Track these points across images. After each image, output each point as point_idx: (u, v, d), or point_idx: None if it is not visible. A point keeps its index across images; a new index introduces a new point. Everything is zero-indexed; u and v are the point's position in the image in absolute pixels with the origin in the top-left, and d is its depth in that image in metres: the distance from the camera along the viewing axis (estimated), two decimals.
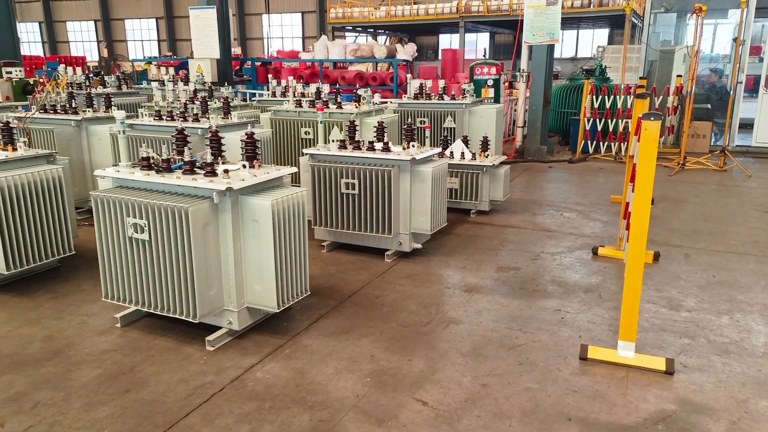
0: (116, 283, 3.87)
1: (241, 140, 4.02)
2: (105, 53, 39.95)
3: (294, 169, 4.07)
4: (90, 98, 7.19)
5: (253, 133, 3.99)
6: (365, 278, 4.96)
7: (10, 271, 4.47)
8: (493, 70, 10.82)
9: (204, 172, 3.75)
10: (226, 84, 10.07)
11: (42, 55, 37.01)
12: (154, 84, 7.00)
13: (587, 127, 10.91)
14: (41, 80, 6.94)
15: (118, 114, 3.96)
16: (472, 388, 3.24)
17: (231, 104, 7.58)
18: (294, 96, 7.94)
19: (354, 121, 5.70)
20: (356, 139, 5.51)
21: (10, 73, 13.00)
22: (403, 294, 4.61)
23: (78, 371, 3.46)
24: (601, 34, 37.11)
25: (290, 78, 7.97)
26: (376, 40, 31.94)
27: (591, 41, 36.98)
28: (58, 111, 6.84)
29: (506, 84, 12.15)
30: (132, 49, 45.03)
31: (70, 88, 7.73)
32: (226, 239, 3.68)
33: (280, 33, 40.95)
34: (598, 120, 10.85)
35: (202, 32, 13.37)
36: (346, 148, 5.43)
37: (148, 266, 3.70)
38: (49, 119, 6.73)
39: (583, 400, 3.13)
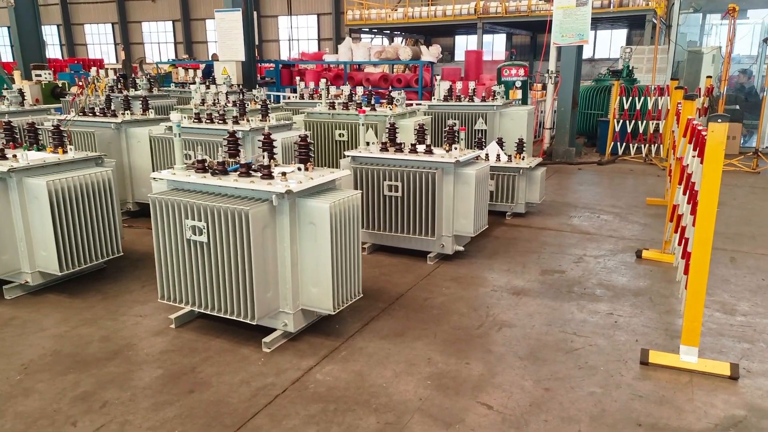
0: (173, 284, 3.90)
1: (294, 143, 4.05)
2: (122, 56, 40.38)
3: (347, 172, 4.09)
4: (127, 101, 7.27)
5: (306, 136, 4.01)
6: (410, 281, 4.96)
7: (63, 272, 4.53)
8: (521, 71, 10.78)
9: (261, 174, 3.77)
10: (257, 86, 10.12)
11: (60, 58, 37.48)
12: (193, 87, 7.05)
13: (616, 129, 10.83)
14: (80, 83, 7.02)
15: (174, 116, 4.00)
16: (535, 392, 3.23)
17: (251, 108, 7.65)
18: (326, 98, 7.98)
19: (394, 123, 5.70)
20: (395, 141, 5.52)
21: (40, 76, 13.20)
22: (450, 297, 4.60)
23: (140, 371, 3.50)
24: (619, 35, 36.79)
25: (323, 80, 8.00)
26: (392, 41, 31.98)
27: (609, 42, 36.70)
28: (97, 114, 6.93)
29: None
30: (149, 52, 45.48)
31: (108, 91, 7.82)
32: (283, 241, 3.71)
33: (296, 35, 41.10)
34: (627, 121, 10.74)
35: (228, 35, 13.46)
36: (387, 150, 5.44)
37: (206, 268, 3.73)
38: (88, 122, 6.81)
39: (650, 406, 3.10)
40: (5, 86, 9.31)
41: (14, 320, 4.20)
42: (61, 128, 4.99)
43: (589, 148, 12.18)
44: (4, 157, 4.55)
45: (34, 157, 4.60)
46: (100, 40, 47.63)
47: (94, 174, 4.70)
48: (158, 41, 46.20)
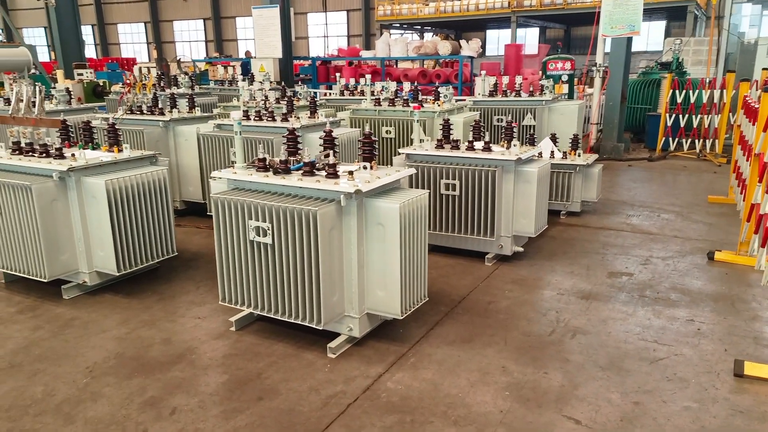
0: (235, 286, 3.80)
1: (359, 140, 3.90)
2: (154, 54, 40.93)
3: (413, 170, 3.93)
4: (173, 99, 7.24)
5: (371, 133, 3.86)
6: (470, 283, 4.78)
7: (121, 272, 4.48)
8: (568, 65, 10.46)
9: (326, 173, 3.64)
10: (300, 83, 10.03)
11: (95, 57, 38.18)
12: (241, 84, 6.99)
13: (668, 124, 10.41)
14: (128, 81, 7.03)
15: (235, 114, 3.90)
16: (625, 406, 3.03)
17: (303, 104, 7.54)
18: (372, 95, 7.82)
19: (448, 119, 5.52)
20: (449, 138, 5.34)
21: (81, 75, 13.37)
22: (515, 300, 4.41)
23: (205, 376, 3.40)
24: (656, 27, 35.76)
25: (368, 76, 7.86)
26: (422, 37, 31.69)
27: (646, 35, 35.73)
28: (145, 112, 6.91)
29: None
30: (180, 50, 46.01)
31: (155, 89, 7.82)
32: (350, 243, 3.57)
33: (325, 32, 41.07)
34: (681, 116, 10.32)
35: (265, 32, 13.43)
36: (443, 147, 5.26)
37: (270, 270, 3.61)
38: (136, 120, 6.79)
39: (753, 423, 2.87)
40: (53, 86, 9.38)
41: (75, 321, 4.17)
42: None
43: (635, 143, 11.77)
44: (62, 156, 4.52)
45: (91, 156, 4.56)
46: (132, 39, 48.37)
47: (151, 173, 4.64)
48: (189, 39, 46.70)
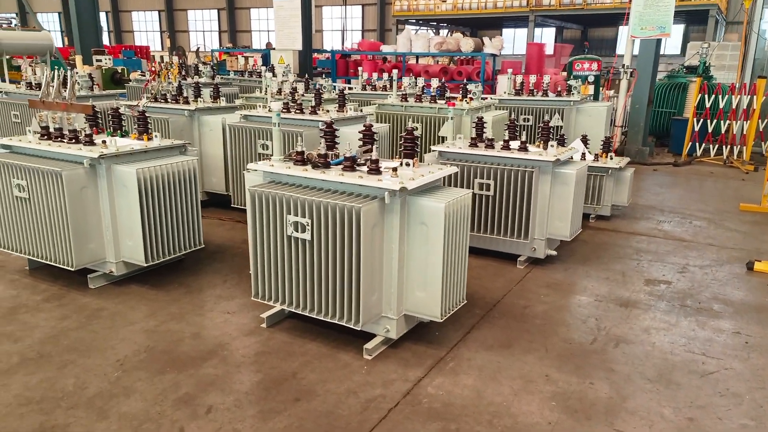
0: (269, 282, 3.70)
1: (401, 136, 3.79)
2: (167, 43, 40.84)
3: (455, 169, 3.81)
4: (198, 88, 7.14)
5: (414, 129, 3.74)
6: (503, 285, 4.66)
7: (149, 263, 4.39)
8: (594, 65, 10.28)
9: (367, 169, 3.52)
10: (323, 75, 9.91)
11: (108, 44, 38.11)
12: (268, 75, 6.88)
13: (696, 128, 10.22)
14: (152, 69, 6.94)
15: (275, 105, 3.79)
16: (679, 422, 2.90)
17: (326, 97, 7.42)
18: (396, 90, 7.69)
19: (482, 117, 5.39)
20: (482, 136, 5.21)
21: (100, 61, 13.29)
22: (551, 305, 4.29)
23: (239, 374, 3.31)
24: (675, 30, 35.33)
25: (394, 72, 7.72)
26: (437, 33, 31.46)
27: (664, 38, 35.29)
28: (169, 100, 6.82)
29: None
30: (194, 40, 45.95)
31: (180, 78, 7.73)
32: (391, 242, 3.45)
33: (339, 26, 40.84)
34: (709, 121, 10.11)
35: (286, 23, 13.32)
36: (477, 146, 5.13)
37: (308, 267, 3.50)
38: (161, 108, 6.70)
39: None
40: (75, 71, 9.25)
41: (102, 311, 4.08)
42: (133, 113, 4.86)
43: (658, 148, 11.58)
44: (92, 143, 4.43)
45: (121, 143, 4.47)
46: (146, 27, 48.28)
47: (181, 163, 4.54)
48: (203, 29, 46.60)
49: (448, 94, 7.69)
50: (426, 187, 3.57)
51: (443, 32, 32.01)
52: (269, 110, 6.20)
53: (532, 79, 8.91)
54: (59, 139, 4.55)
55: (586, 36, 34.29)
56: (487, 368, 3.40)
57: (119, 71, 12.63)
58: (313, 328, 3.86)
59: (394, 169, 3.44)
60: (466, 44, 13.08)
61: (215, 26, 45.77)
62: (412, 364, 3.44)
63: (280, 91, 6.81)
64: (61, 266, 4.32)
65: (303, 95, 6.96)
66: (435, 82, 7.49)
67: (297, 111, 6.05)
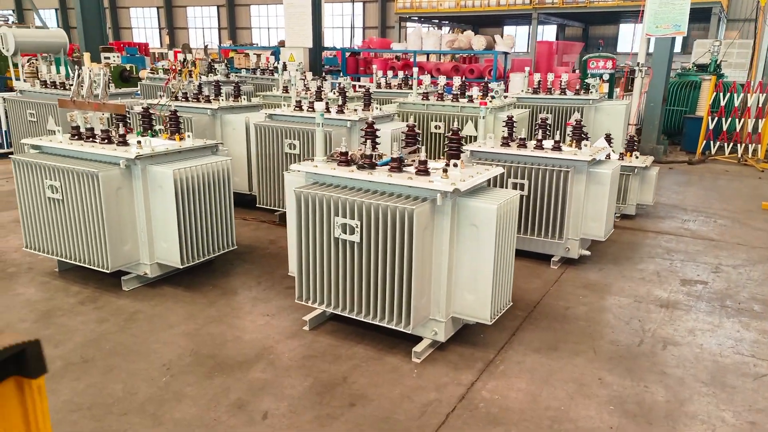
0: (314, 284, 3.66)
1: (446, 136, 3.75)
2: (166, 40, 40.59)
3: (501, 170, 3.76)
4: (218, 86, 7.08)
5: (459, 130, 3.70)
6: (539, 286, 4.63)
7: (184, 265, 4.35)
8: (609, 63, 10.24)
9: (415, 170, 3.48)
10: (342, 73, 9.85)
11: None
12: (294, 74, 6.80)
13: (710, 127, 10.21)
14: (173, 67, 6.87)
15: (319, 105, 3.74)
16: (741, 426, 2.88)
17: (349, 96, 7.36)
18: (419, 88, 7.65)
19: (512, 116, 5.35)
20: (513, 135, 5.17)
21: (108, 58, 13.19)
22: (592, 307, 4.26)
23: (289, 378, 3.27)
24: None
25: (415, 70, 7.68)
26: (440, 30, 31.39)
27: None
28: (190, 99, 6.76)
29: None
30: (193, 37, 45.70)
31: (201, 76, 7.66)
32: (441, 244, 3.41)
33: (341, 23, 40.73)
34: (724, 119, 10.10)
35: (296, 21, 13.23)
36: (509, 145, 5.09)
37: (356, 269, 3.46)
38: (182, 107, 6.61)
39: None
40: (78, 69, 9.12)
41: (139, 314, 4.03)
42: (155, 113, 4.81)
43: (670, 146, 11.56)
44: (125, 143, 4.37)
45: (156, 143, 4.41)
46: (145, 24, 47.92)
47: (215, 163, 4.49)
48: (203, 26, 46.32)
49: (467, 93, 7.64)
50: (476, 188, 3.53)
51: (444, 29, 31.95)
52: (294, 109, 6.15)
53: (562, 76, 8.83)
54: (90, 139, 4.49)
55: (587, 34, 34.25)
56: (539, 371, 3.37)
57: (128, 69, 12.54)
58: (356, 331, 3.82)
59: (444, 170, 3.40)
60: (478, 42, 13.02)
61: (215, 23, 45.48)
62: (462, 368, 3.41)
63: (306, 89, 6.73)
64: (95, 268, 4.26)
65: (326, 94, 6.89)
66: (457, 81, 7.44)
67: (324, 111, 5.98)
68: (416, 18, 29.79)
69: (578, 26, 34.19)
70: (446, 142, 3.72)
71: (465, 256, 3.43)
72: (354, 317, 3.56)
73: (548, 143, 5.00)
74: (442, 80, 7.54)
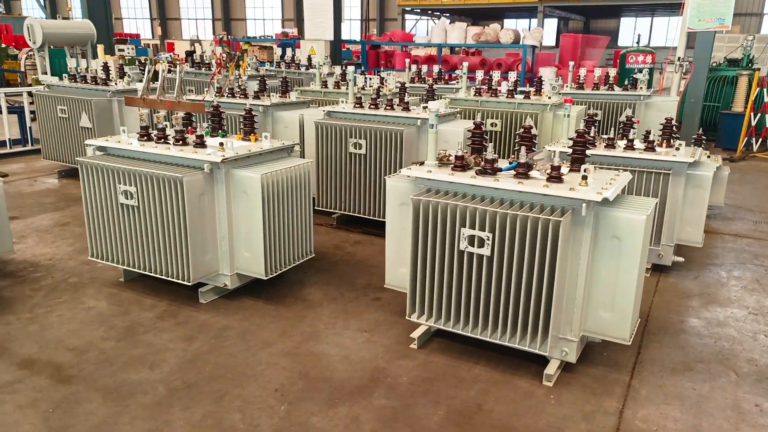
0: (430, 300, 3.37)
1: (570, 138, 3.47)
2: (159, 32, 39.82)
3: (629, 175, 3.48)
4: (264, 82, 6.73)
5: (586, 131, 3.42)
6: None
7: (268, 276, 4.04)
8: (648, 58, 9.99)
9: (547, 176, 3.19)
10: (362, 67, 9.50)
11: None
12: (350, 69, 6.44)
13: (752, 123, 10.01)
14: (218, 61, 6.48)
15: (435, 104, 3.43)
16: None
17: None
18: (465, 83, 7.34)
19: (593, 114, 5.07)
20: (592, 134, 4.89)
21: (123, 50, 12.73)
22: (707, 320, 4.00)
23: (418, 406, 2.98)
24: (676, 23, 35.13)
25: (465, 64, 7.35)
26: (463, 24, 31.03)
27: (665, 30, 35.29)
28: (237, 95, 6.41)
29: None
30: (185, 28, 44.90)
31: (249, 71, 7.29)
32: (579, 258, 3.13)
33: (345, 15, 40.09)
34: (766, 114, 9.90)
35: (317, 12, 12.84)
36: (594, 145, 4.80)
37: (483, 284, 3.18)
38: (229, 104, 6.26)
39: None
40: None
41: (228, 331, 3.72)
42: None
43: (705, 143, 11.35)
44: (202, 145, 4.03)
45: (238, 145, 4.08)
46: (135, 15, 46.93)
47: (299, 166, 4.18)
48: (195, 17, 45.47)
49: (520, 88, 7.35)
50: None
51: (445, 22, 31.54)
52: (354, 106, 5.82)
53: (609, 71, 8.55)
54: (162, 140, 4.14)
55: (588, 28, 34.01)
56: (687, 397, 3.11)
57: (143, 61, 12.12)
58: (465, 349, 3.53)
59: (584, 177, 3.11)
60: (506, 35, 12.73)
61: (208, 14, 44.66)
62: (600, 392, 3.14)
63: (363, 86, 6.40)
64: (175, 280, 3.94)
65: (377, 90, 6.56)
66: (513, 76, 7.15)
67: (388, 107, 5.68)
68: (419, 10, 29.40)
69: (579, 20, 33.98)
70: (570, 145, 3.44)
71: (602, 271, 3.15)
72: (476, 336, 3.27)
73: (639, 143, 4.73)
74: (495, 75, 7.23)
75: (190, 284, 3.91)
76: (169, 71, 6.27)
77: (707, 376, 3.30)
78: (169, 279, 3.95)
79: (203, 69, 8.92)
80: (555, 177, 3.17)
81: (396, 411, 2.94)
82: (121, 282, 4.40)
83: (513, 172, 3.28)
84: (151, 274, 4.04)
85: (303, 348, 3.53)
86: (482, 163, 3.34)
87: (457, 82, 8.93)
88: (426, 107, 5.60)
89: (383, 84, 6.82)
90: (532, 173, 3.28)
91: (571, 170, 3.39)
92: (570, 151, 3.47)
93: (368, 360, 3.42)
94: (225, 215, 3.98)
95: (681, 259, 4.87)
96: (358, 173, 5.52)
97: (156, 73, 4.62)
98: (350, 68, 6.28)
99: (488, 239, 3.09)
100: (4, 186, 4.31)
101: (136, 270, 4.11)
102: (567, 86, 8.44)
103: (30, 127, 8.65)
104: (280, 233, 4.07)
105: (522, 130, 3.52)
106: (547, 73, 11.27)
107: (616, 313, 3.17)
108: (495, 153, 3.32)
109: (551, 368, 3.23)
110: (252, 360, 3.38)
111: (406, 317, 3.48)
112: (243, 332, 3.71)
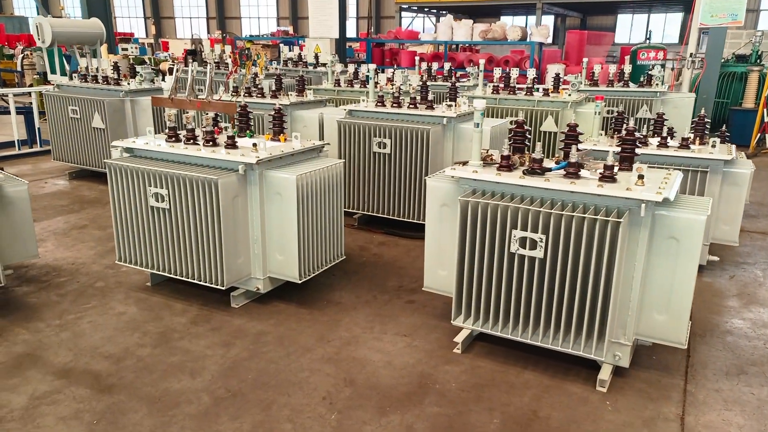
0: (477, 304, 3.28)
1: (619, 137, 3.38)
2: (153, 30, 39.52)
3: (680, 174, 3.39)
4: (279, 80, 6.61)
5: (635, 129, 3.33)
6: None
7: (302, 279, 3.94)
8: (660, 54, 9.94)
9: (599, 176, 3.10)
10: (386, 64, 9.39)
11: None
12: (370, 67, 6.31)
13: (765, 119, 9.97)
14: (235, 60, 6.35)
15: (479, 103, 3.34)
16: None
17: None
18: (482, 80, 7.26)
19: (623, 112, 4.99)
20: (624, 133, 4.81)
21: (126, 50, 12.58)
22: (751, 321, 3.93)
23: (472, 413, 2.89)
24: (674, 19, 35.21)
25: (481, 61, 7.27)
26: (438, 21, 30.94)
27: (663, 26, 35.30)
28: (253, 95, 6.29)
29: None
30: (180, 27, 44.59)
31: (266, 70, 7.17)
32: (634, 259, 3.05)
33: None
34: (766, 111, 9.87)
35: (322, 10, 12.73)
36: (646, 144, 4.70)
37: (534, 288, 3.09)
38: (248, 103, 6.13)
39: None
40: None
41: (265, 336, 3.62)
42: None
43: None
44: (234, 146, 3.92)
45: (271, 146, 3.98)
46: (129, 14, 46.50)
47: (332, 167, 4.08)
48: (190, 16, 45.14)
49: (536, 85, 7.27)
50: None
51: (442, 19, 31.42)
52: (376, 105, 5.71)
53: (624, 68, 8.46)
54: (191, 141, 4.03)
55: (585, 24, 33.96)
56: (746, 402, 3.03)
57: (146, 61, 11.96)
58: (510, 353, 3.45)
59: (641, 176, 3.02)
60: (513, 32, 12.65)
61: (203, 12, 44.34)
62: (657, 398, 3.06)
63: (387, 82, 6.29)
64: (208, 285, 3.83)
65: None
66: (531, 73, 7.07)
67: (411, 106, 5.58)
68: (416, 8, 29.26)
69: (576, 16, 33.94)
70: (618, 143, 3.36)
71: (657, 273, 3.07)
72: (526, 340, 3.18)
73: (673, 141, 4.66)
74: (514, 73, 7.14)
75: (224, 288, 3.80)
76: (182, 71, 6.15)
77: (763, 379, 3.23)
78: (201, 283, 3.85)
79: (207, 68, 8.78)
80: (608, 177, 3.08)
81: (450, 419, 2.85)
82: (149, 286, 4.30)
83: (563, 171, 3.19)
84: (183, 279, 3.93)
85: (344, 353, 3.44)
86: (528, 162, 3.25)
87: (468, 80, 8.86)
88: (451, 105, 5.51)
89: (404, 82, 6.72)
90: (582, 173, 3.20)
91: (620, 169, 3.30)
92: (616, 149, 3.39)
93: (412, 365, 3.33)
94: (258, 217, 3.87)
95: (716, 258, 4.81)
96: (383, 173, 5.43)
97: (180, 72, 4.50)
98: (370, 66, 6.16)
99: (541, 241, 3.01)
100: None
101: (166, 274, 4.00)
102: (582, 83, 8.36)
103: (39, 128, 8.49)
104: (313, 235, 3.97)
105: (567, 128, 3.44)
106: (555, 70, 11.19)
107: (671, 316, 3.09)
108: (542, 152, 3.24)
109: (604, 373, 3.15)
110: (294, 366, 3.28)
111: (451, 321, 3.39)
112: (280, 337, 3.61)
